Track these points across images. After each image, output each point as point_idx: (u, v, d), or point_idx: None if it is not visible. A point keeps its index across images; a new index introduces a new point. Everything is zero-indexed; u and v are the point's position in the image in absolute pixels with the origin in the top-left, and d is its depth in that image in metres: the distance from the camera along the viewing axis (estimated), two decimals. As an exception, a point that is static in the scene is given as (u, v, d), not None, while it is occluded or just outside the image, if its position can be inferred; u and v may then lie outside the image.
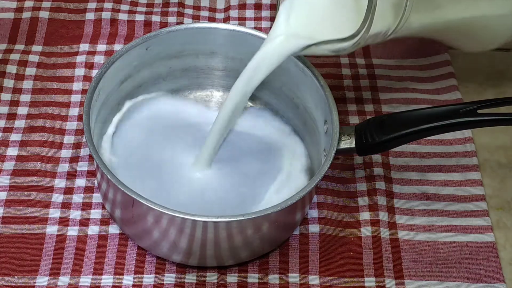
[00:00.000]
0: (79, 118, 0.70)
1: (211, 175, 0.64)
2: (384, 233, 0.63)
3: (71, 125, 0.69)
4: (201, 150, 0.63)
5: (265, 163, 0.65)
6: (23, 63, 0.74)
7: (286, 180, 0.64)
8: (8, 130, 0.69)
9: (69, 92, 0.72)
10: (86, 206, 0.64)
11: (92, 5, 0.80)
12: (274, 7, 0.82)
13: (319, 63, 0.76)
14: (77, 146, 0.68)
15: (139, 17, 0.79)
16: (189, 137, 0.66)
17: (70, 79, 0.73)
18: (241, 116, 0.68)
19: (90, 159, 0.67)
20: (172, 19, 0.80)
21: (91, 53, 0.75)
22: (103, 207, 0.64)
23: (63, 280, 0.60)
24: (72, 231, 0.62)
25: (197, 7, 0.82)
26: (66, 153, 0.67)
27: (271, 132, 0.68)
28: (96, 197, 0.64)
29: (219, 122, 0.61)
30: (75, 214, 0.63)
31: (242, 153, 0.66)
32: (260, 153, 0.66)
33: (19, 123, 0.69)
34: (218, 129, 0.62)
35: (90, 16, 0.79)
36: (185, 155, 0.65)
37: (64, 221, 0.63)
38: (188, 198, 0.62)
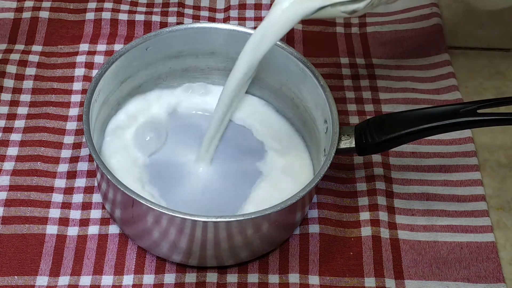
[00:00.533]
0: (79, 118, 0.70)
1: (211, 172, 0.64)
2: (384, 233, 0.63)
3: (71, 125, 0.69)
4: (203, 141, 0.63)
5: (267, 161, 0.65)
6: (23, 63, 0.74)
7: (287, 179, 0.63)
8: (8, 130, 0.69)
9: (69, 92, 0.72)
10: (86, 206, 0.64)
11: (92, 5, 0.80)
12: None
13: (319, 63, 0.76)
14: (77, 146, 0.68)
15: (139, 17, 0.79)
16: (191, 135, 0.66)
17: (70, 79, 0.73)
18: (243, 110, 0.68)
19: (90, 159, 0.67)
20: (172, 19, 0.80)
21: (91, 53, 0.75)
22: (103, 207, 0.64)
23: (63, 280, 0.60)
24: (72, 231, 0.62)
25: (197, 7, 0.82)
26: (66, 153, 0.67)
27: (273, 129, 0.67)
28: (96, 197, 0.64)
29: (223, 98, 0.60)
30: (75, 214, 0.63)
31: (243, 150, 0.66)
32: (262, 150, 0.66)
33: (19, 123, 0.69)
34: (222, 106, 0.60)
35: (90, 16, 0.79)
36: (187, 152, 0.65)
37: (64, 221, 0.63)
38: (188, 195, 0.62)
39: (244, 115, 0.68)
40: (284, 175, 0.64)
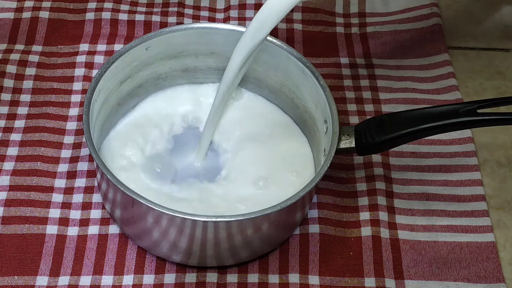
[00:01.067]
0: (79, 118, 0.70)
1: (205, 166, 0.64)
2: (384, 233, 0.63)
3: (71, 125, 0.69)
4: (201, 136, 0.63)
5: (267, 158, 0.65)
6: (23, 63, 0.74)
7: (286, 176, 0.63)
8: (8, 130, 0.69)
9: (69, 92, 0.72)
10: (86, 206, 0.64)
11: (92, 5, 0.80)
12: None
13: (319, 63, 0.76)
14: (77, 146, 0.68)
15: (139, 17, 0.79)
16: (192, 135, 0.66)
17: (70, 79, 0.73)
18: (243, 106, 0.68)
19: (90, 159, 0.67)
20: (172, 19, 0.80)
21: (91, 53, 0.75)
22: (103, 207, 0.64)
23: (63, 280, 0.60)
24: (72, 231, 0.62)
25: (197, 7, 0.82)
26: (66, 153, 0.67)
27: (275, 127, 0.67)
28: (96, 197, 0.64)
29: (221, 91, 0.60)
30: (75, 214, 0.63)
31: (242, 143, 0.65)
32: (262, 146, 0.66)
33: (19, 123, 0.69)
34: (220, 101, 0.61)
35: (90, 16, 0.79)
36: (188, 150, 0.65)
37: (64, 221, 0.63)
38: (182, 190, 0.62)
39: (244, 111, 0.68)
40: (286, 174, 0.64)
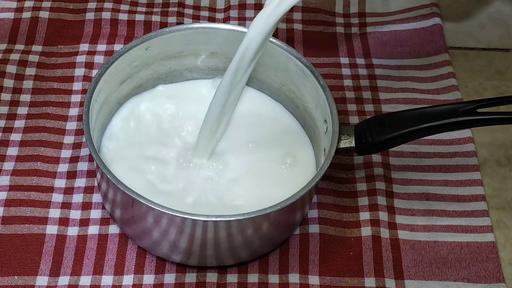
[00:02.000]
0: (79, 118, 0.70)
1: (206, 167, 0.63)
2: (384, 233, 0.63)
3: (71, 125, 0.69)
4: (199, 134, 0.62)
5: (268, 157, 0.65)
6: (23, 63, 0.74)
7: (290, 177, 0.63)
8: (8, 130, 0.69)
9: (69, 92, 0.72)
10: (86, 206, 0.64)
11: (92, 5, 0.80)
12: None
13: (319, 63, 0.76)
14: (77, 146, 0.68)
15: (139, 17, 0.79)
16: (189, 133, 0.66)
17: (70, 79, 0.73)
18: (249, 103, 0.68)
19: (90, 159, 0.67)
20: (172, 19, 0.80)
21: (91, 53, 0.75)
22: (103, 207, 0.64)
23: (63, 280, 0.60)
24: (72, 231, 0.62)
25: (197, 7, 0.82)
26: (66, 153, 0.67)
27: (279, 125, 0.67)
28: (96, 197, 0.64)
29: (220, 91, 0.60)
30: (75, 214, 0.63)
31: (244, 144, 0.65)
32: (264, 144, 0.65)
33: (19, 123, 0.69)
34: (219, 100, 0.60)
35: (90, 16, 0.79)
36: (184, 148, 0.65)
37: (64, 221, 0.63)
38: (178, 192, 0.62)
39: (249, 108, 0.68)
40: (288, 174, 0.64)
